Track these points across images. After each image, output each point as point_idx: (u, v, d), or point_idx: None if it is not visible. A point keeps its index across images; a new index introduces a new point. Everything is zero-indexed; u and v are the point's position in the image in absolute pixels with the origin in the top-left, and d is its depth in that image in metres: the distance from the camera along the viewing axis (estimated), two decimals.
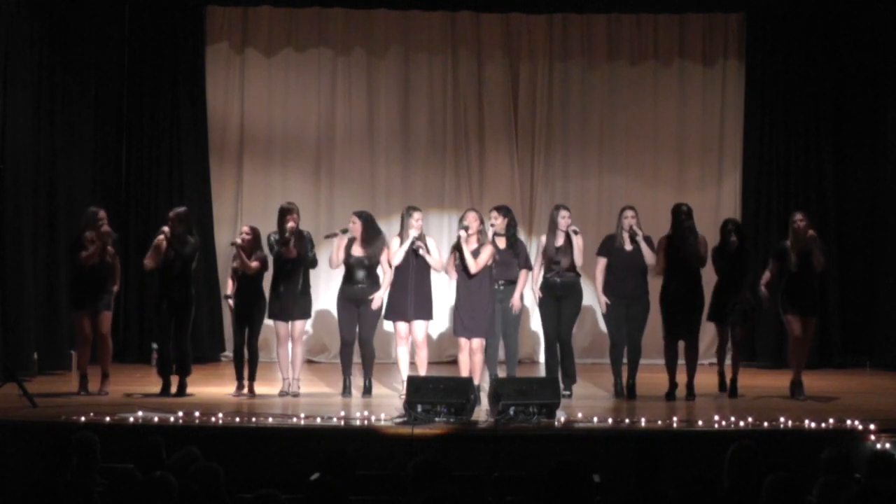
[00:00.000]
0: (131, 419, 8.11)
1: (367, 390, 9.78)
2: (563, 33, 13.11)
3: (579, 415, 8.52)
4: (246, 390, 9.69)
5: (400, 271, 9.60)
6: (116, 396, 9.51)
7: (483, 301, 9.35)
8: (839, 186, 12.69)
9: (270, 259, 9.82)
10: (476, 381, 9.18)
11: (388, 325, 10.39)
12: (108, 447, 6.19)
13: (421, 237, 9.60)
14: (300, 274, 9.69)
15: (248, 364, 9.77)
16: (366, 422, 8.21)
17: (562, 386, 9.32)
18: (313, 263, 9.84)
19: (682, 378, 9.68)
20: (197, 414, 8.24)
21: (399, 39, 13.09)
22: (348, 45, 13.07)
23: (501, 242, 9.72)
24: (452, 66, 13.07)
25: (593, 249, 10.08)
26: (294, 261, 9.62)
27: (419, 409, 8.21)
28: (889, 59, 12.21)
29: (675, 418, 8.36)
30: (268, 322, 9.90)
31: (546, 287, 9.80)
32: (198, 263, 9.96)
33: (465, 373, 9.23)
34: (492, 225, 9.70)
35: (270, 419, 8.22)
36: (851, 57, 12.58)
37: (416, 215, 9.62)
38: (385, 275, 9.75)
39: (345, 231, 9.84)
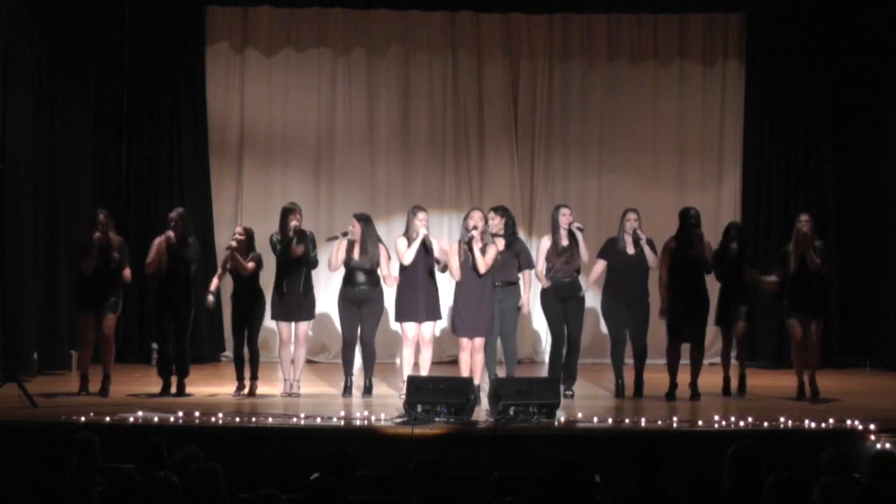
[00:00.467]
0: (131, 419, 8.11)
1: (368, 390, 9.78)
2: (563, 33, 13.11)
3: (579, 415, 8.52)
4: (247, 390, 9.68)
5: (409, 271, 9.58)
6: (117, 396, 9.51)
7: (484, 300, 9.35)
8: (839, 186, 12.69)
9: (270, 259, 9.81)
10: (476, 381, 9.18)
11: (394, 326, 10.38)
12: (108, 447, 6.19)
13: (425, 237, 9.57)
14: (303, 274, 9.69)
15: (249, 363, 9.76)
16: (366, 422, 8.21)
17: (563, 387, 9.32)
18: (314, 264, 9.84)
19: (683, 378, 9.69)
20: (197, 414, 8.23)
21: (399, 39, 13.08)
22: (348, 45, 13.07)
23: (500, 243, 9.72)
24: (452, 66, 13.07)
25: (594, 250, 10.08)
26: (297, 261, 9.62)
27: (419, 409, 8.21)
28: (889, 59, 12.21)
29: (675, 418, 8.36)
30: (270, 323, 9.89)
31: (553, 287, 9.80)
32: (188, 262, 9.90)
33: (465, 373, 9.22)
34: (488, 224, 9.68)
35: (270, 419, 8.22)
36: (851, 57, 12.58)
37: (421, 215, 9.60)
38: (384, 278, 9.77)
39: (345, 234, 9.84)
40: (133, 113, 12.74)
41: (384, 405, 8.99)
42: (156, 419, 8.12)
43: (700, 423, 8.31)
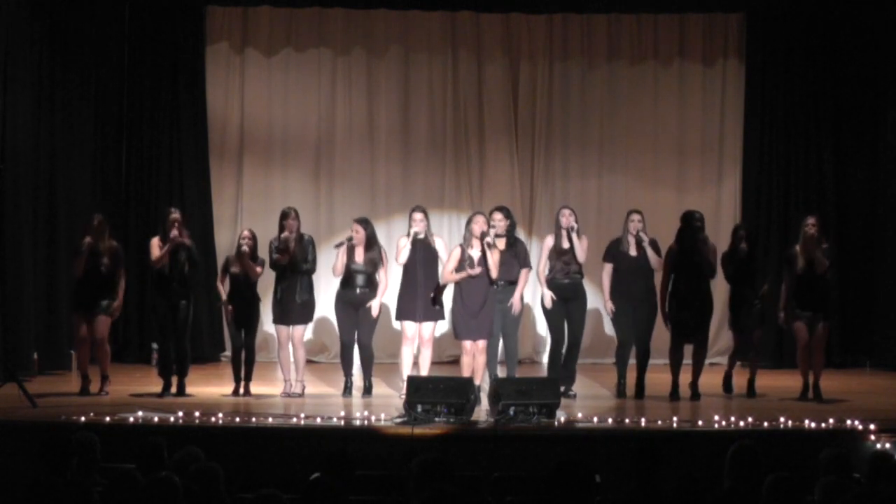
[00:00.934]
0: (131, 419, 8.11)
1: (368, 390, 9.78)
2: (563, 33, 13.11)
3: (579, 415, 8.52)
4: (242, 391, 9.69)
5: (408, 271, 9.59)
6: (117, 396, 9.51)
7: (487, 302, 9.36)
8: (839, 186, 12.68)
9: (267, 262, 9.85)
10: (477, 382, 9.18)
11: (395, 324, 10.37)
12: (108, 447, 6.19)
13: (415, 235, 9.57)
14: (297, 278, 9.70)
15: (244, 365, 9.76)
16: (366, 422, 8.21)
17: (563, 388, 9.31)
18: (311, 269, 9.83)
19: (684, 378, 9.69)
20: (197, 414, 8.23)
21: (399, 39, 13.08)
22: (348, 45, 13.06)
23: (501, 243, 9.72)
24: (452, 66, 13.06)
25: (594, 250, 10.08)
26: (292, 266, 9.65)
27: (419, 409, 8.21)
28: (889, 59, 12.21)
29: (675, 418, 8.36)
30: (270, 325, 9.88)
31: (554, 288, 9.80)
32: (197, 265, 9.91)
33: (466, 374, 9.22)
34: (493, 226, 9.68)
35: (270, 419, 8.22)
36: (851, 57, 12.57)
37: (416, 215, 9.64)
38: (382, 282, 9.77)
39: (350, 239, 9.83)
40: (133, 113, 12.74)
41: (384, 405, 8.98)
42: (156, 419, 8.12)
43: (700, 423, 8.30)
